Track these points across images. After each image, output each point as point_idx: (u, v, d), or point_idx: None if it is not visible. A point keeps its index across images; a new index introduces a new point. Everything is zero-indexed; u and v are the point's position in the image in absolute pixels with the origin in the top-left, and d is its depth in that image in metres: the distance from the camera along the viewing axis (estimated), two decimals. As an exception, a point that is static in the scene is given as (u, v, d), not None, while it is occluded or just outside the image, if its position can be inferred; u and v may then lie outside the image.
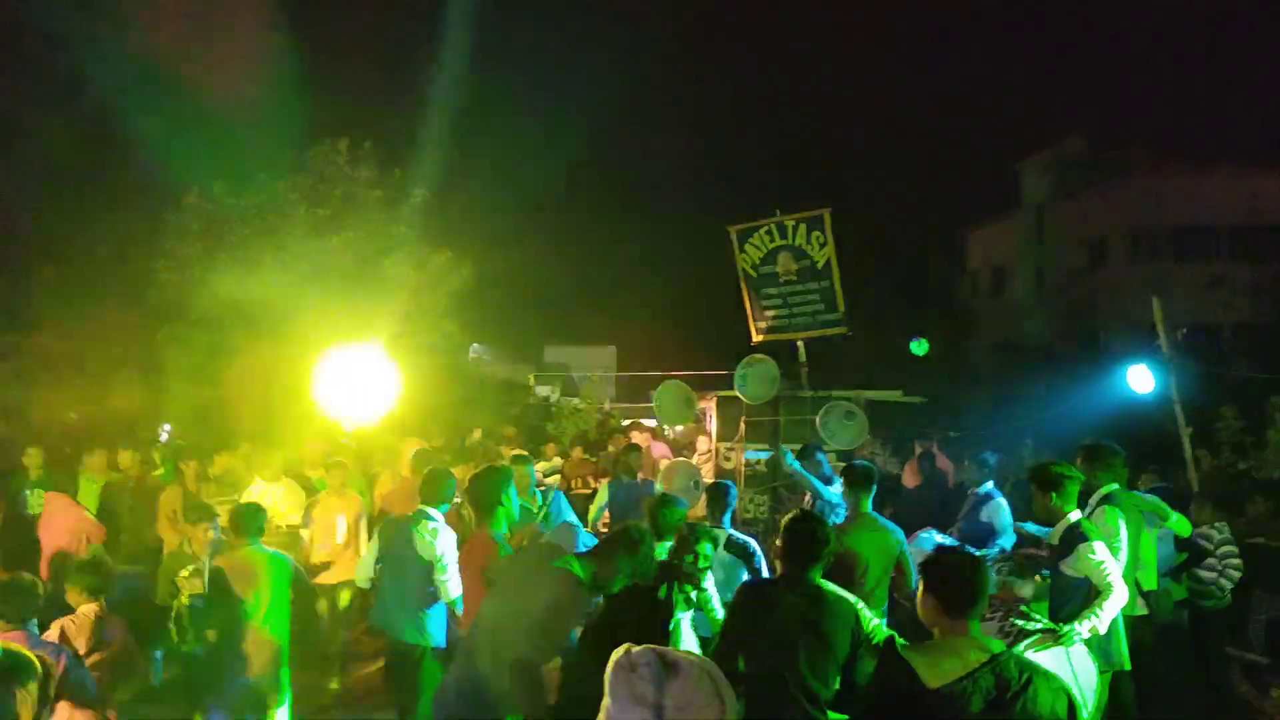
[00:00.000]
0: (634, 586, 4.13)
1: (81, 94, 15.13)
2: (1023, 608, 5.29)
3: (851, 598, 4.05)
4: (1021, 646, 4.61)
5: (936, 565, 3.23)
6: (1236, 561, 7.16)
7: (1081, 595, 5.00)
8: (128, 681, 5.14)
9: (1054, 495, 5.22)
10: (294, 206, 13.26)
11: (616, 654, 2.24)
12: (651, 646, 2.25)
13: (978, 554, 3.46)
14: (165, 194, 13.53)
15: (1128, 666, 5.37)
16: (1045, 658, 4.51)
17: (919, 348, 11.13)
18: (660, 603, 4.33)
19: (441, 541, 5.45)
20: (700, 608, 4.83)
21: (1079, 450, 5.99)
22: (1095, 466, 5.78)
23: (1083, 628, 4.78)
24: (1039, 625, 4.95)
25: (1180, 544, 7.22)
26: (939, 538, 6.78)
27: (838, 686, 3.84)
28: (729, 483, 6.55)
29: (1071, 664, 4.73)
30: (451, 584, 5.38)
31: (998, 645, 3.09)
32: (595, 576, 3.98)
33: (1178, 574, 7.22)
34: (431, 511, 5.60)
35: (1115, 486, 5.78)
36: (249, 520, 5.71)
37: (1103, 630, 4.89)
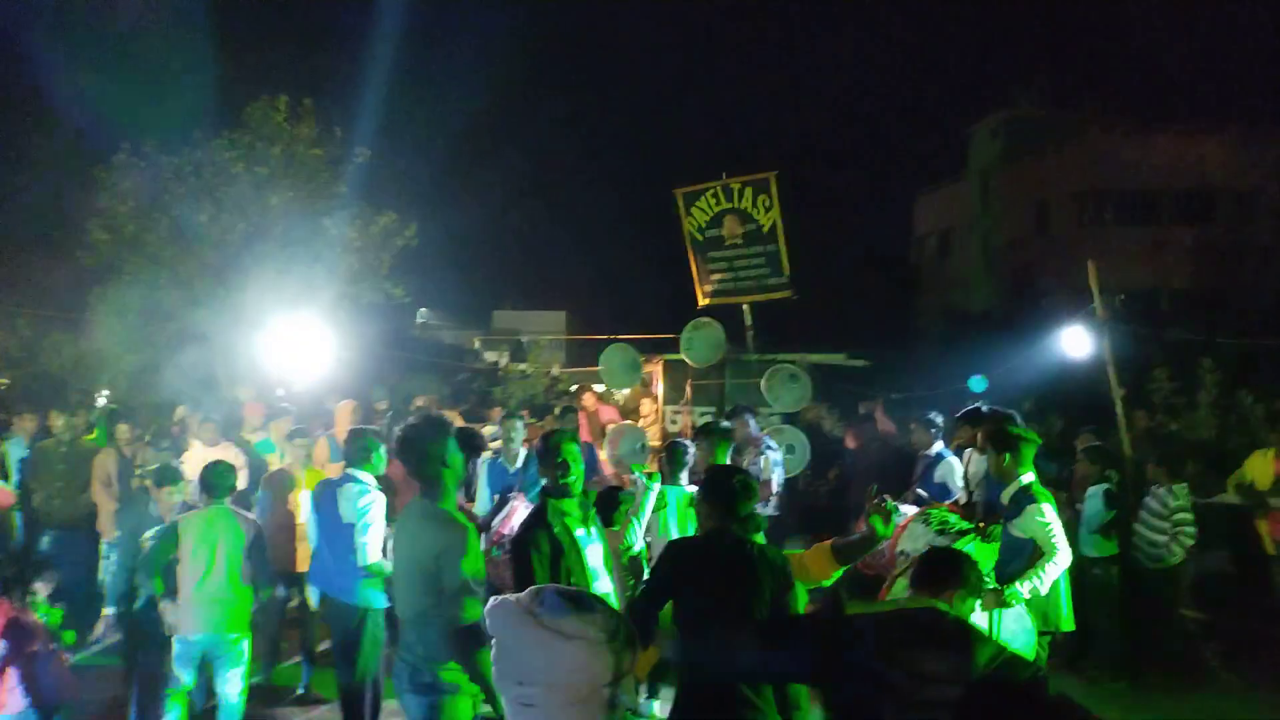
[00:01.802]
0: None
1: (7, 45, 14.59)
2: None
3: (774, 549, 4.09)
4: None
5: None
6: (1191, 529, 7.32)
7: (1026, 555, 5.09)
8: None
9: (1008, 456, 5.30)
10: (231, 165, 12.90)
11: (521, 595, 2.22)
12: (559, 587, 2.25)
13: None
14: (96, 151, 13.09)
15: (1066, 628, 5.50)
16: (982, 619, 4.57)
17: (978, 385, 11.36)
18: None
19: (364, 502, 5.39)
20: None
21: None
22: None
23: (1023, 588, 4.87)
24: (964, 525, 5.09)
25: (1110, 501, 7.39)
26: (905, 509, 6.86)
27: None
28: (684, 440, 6.57)
29: (1010, 624, 4.82)
30: (371, 547, 5.33)
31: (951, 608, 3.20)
32: None
33: (1107, 531, 7.39)
34: (357, 474, 5.55)
35: None
36: (220, 479, 5.70)
37: (1044, 591, 5.00)
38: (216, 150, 12.95)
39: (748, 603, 3.75)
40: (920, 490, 7.63)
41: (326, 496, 5.62)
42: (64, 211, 13.72)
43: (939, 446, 7.95)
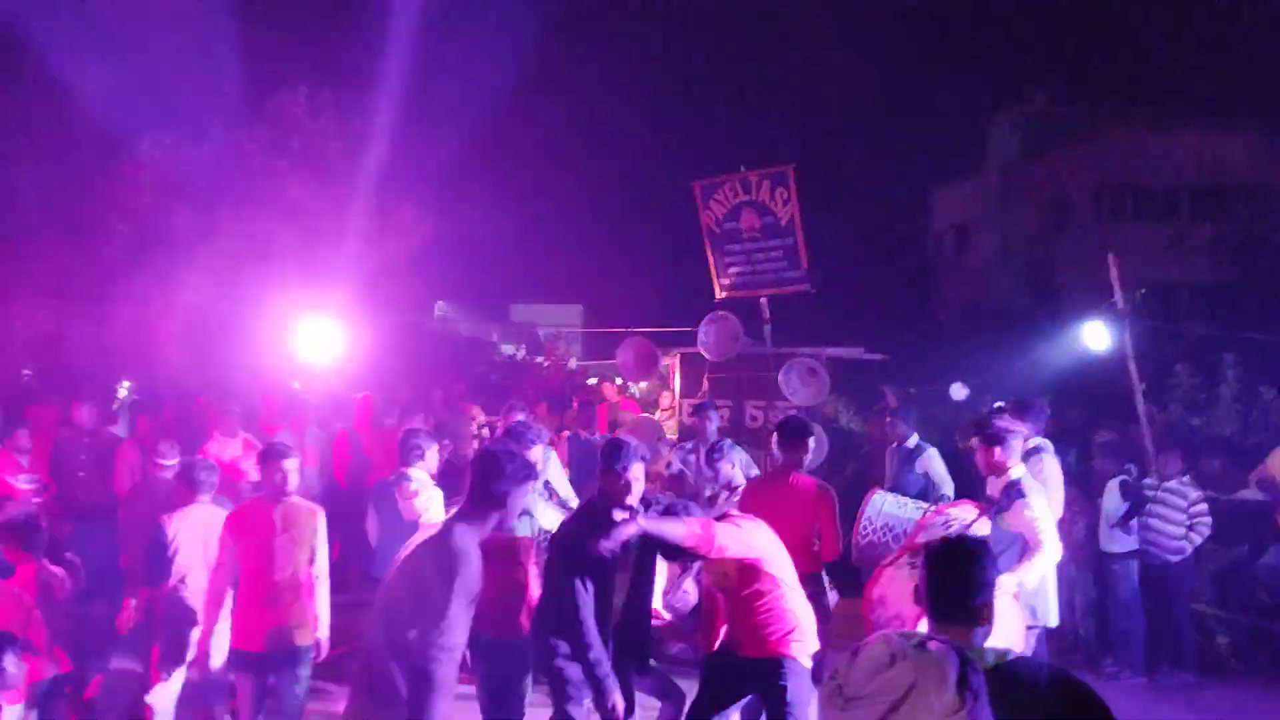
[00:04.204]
0: None
1: (28, 37, 14.68)
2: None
3: None
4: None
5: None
6: (1208, 520, 7.30)
7: (1015, 550, 5.09)
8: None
9: (998, 449, 5.29)
10: (252, 158, 12.99)
11: None
12: None
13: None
14: (118, 143, 13.18)
15: (1053, 623, 5.50)
16: None
17: (957, 392, 11.05)
18: None
19: (423, 500, 5.49)
20: None
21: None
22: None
23: (1010, 582, 4.86)
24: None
25: (1126, 493, 7.36)
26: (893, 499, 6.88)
27: None
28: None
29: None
30: None
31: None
32: None
33: (1125, 524, 7.36)
34: (409, 471, 5.66)
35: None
36: (204, 476, 5.77)
37: (1030, 586, 5.00)
38: (237, 142, 13.03)
39: None
40: (898, 483, 7.66)
41: (385, 495, 5.71)
42: (86, 203, 13.81)
43: (915, 438, 8.02)
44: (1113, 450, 7.77)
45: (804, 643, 4.38)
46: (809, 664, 4.38)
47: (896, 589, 4.36)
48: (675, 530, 4.11)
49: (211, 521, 5.61)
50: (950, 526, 4.82)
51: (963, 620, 2.65)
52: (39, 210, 14.23)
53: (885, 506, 6.73)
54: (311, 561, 5.17)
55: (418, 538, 3.97)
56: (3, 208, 13.82)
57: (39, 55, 13.71)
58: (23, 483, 7.93)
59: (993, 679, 2.38)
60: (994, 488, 5.36)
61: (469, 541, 3.59)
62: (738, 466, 6.65)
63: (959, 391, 11.04)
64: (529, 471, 3.89)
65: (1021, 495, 5.11)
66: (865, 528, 6.62)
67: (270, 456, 5.20)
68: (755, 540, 4.33)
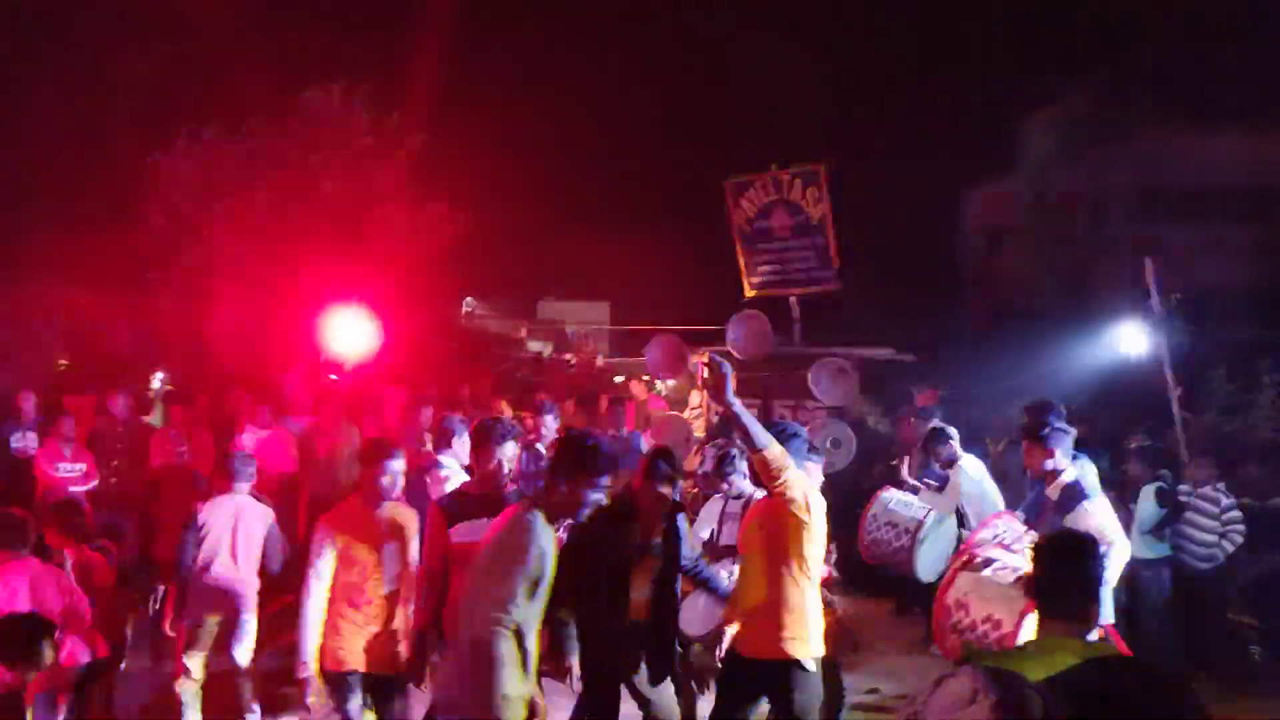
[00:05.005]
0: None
1: (70, 35, 14.89)
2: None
3: None
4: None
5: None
6: (1241, 527, 7.19)
7: None
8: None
9: (1055, 452, 5.22)
10: (286, 152, 13.11)
11: None
12: None
13: None
14: (155, 137, 13.37)
15: (1110, 620, 5.43)
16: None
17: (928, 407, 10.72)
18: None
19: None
20: None
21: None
22: None
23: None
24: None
25: (1163, 500, 7.26)
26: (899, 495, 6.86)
27: None
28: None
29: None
30: None
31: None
32: None
33: (1160, 531, 7.27)
34: (440, 458, 5.73)
35: None
36: (240, 467, 5.84)
37: (1113, 585, 4.97)
38: (272, 137, 13.17)
39: None
40: (928, 480, 7.60)
41: (415, 484, 5.76)
42: (123, 196, 14.01)
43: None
44: (1147, 456, 7.67)
45: (811, 645, 4.33)
46: (816, 668, 4.32)
47: (980, 592, 4.36)
48: (760, 433, 4.05)
49: (243, 510, 5.71)
50: (1001, 540, 4.77)
51: (1072, 617, 2.66)
52: (77, 204, 14.46)
53: (890, 505, 6.72)
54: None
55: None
56: (42, 201, 14.06)
57: (78, 51, 13.92)
58: (65, 471, 8.08)
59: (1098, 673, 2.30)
60: (1051, 490, 5.27)
61: (540, 525, 3.63)
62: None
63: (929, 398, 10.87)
64: (611, 464, 3.85)
65: (1085, 497, 5.04)
66: (870, 525, 6.62)
67: (375, 456, 4.56)
68: (814, 503, 4.28)
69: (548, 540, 3.66)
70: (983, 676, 1.88)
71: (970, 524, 6.65)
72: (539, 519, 3.66)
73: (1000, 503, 6.88)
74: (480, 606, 3.53)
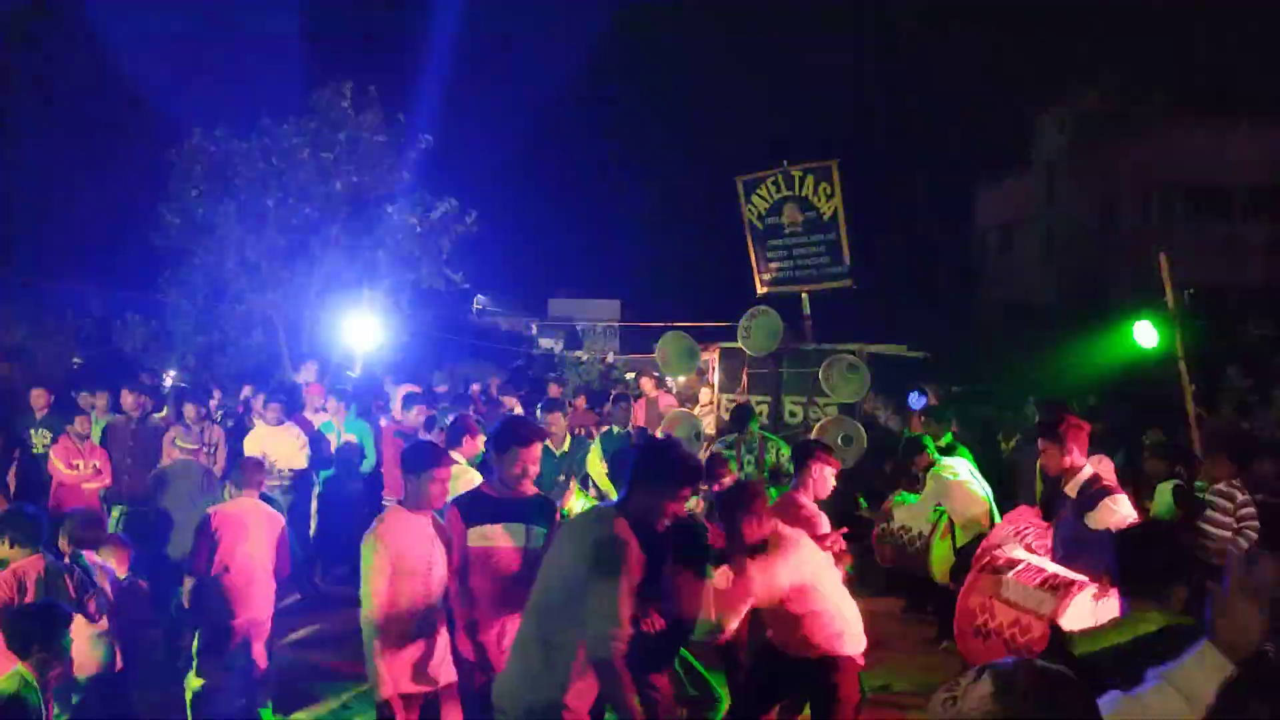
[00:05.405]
0: None
1: (85, 34, 14.97)
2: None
3: None
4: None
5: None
6: (1255, 524, 7.12)
7: (1105, 548, 4.94)
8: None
9: (1072, 449, 5.16)
10: (298, 150, 13.14)
11: None
12: None
13: None
14: (168, 136, 13.43)
15: None
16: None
17: (916, 401, 10.63)
18: None
19: (462, 485, 5.50)
20: None
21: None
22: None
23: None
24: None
25: (1180, 499, 7.21)
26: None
27: None
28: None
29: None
30: None
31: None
32: None
33: (1175, 529, 7.22)
34: (451, 454, 5.71)
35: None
36: (251, 474, 5.86)
37: None
38: (284, 136, 13.20)
39: None
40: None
41: None
42: (136, 195, 14.09)
43: (950, 438, 7.96)
44: (1163, 452, 7.61)
45: (853, 640, 4.36)
46: (860, 661, 4.38)
47: (1005, 595, 4.34)
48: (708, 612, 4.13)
49: (255, 514, 5.74)
50: (1023, 536, 4.74)
51: (1158, 597, 2.80)
52: (91, 201, 14.54)
53: (902, 506, 6.70)
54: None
55: None
56: (56, 199, 14.14)
57: (93, 54, 13.99)
58: (79, 469, 8.11)
59: None
60: (1070, 488, 5.22)
61: (627, 532, 3.46)
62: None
63: (917, 401, 10.81)
64: (696, 472, 3.73)
65: (1107, 492, 4.99)
66: (882, 527, 6.64)
67: (423, 463, 4.23)
68: (802, 559, 4.23)
69: (636, 548, 3.46)
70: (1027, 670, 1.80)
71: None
72: (625, 528, 3.47)
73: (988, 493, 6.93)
74: (593, 626, 3.35)
